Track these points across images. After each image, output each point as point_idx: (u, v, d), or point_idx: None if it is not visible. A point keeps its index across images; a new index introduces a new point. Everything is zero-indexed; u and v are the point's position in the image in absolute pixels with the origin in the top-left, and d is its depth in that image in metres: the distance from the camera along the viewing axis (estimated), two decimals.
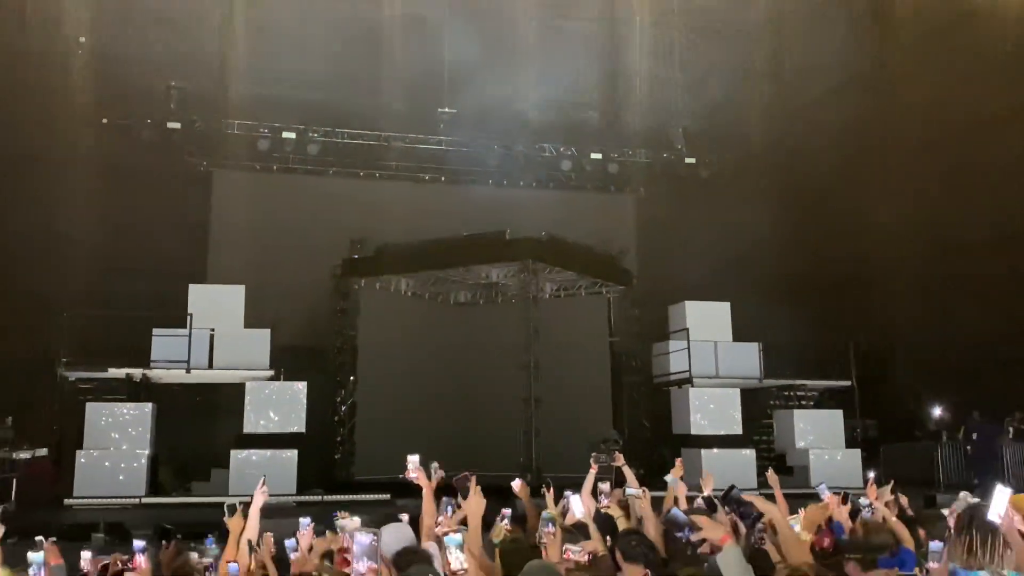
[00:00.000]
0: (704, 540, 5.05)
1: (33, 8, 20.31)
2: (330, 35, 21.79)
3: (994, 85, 18.11)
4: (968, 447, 16.69)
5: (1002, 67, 17.87)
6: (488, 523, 7.13)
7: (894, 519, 6.47)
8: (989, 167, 18.16)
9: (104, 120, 19.65)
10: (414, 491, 12.01)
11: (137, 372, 15.56)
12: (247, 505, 5.46)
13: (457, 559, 3.89)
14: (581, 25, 24.39)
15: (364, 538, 3.72)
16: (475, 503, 4.41)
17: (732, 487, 6.14)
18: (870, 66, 21.23)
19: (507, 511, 6.26)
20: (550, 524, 4.88)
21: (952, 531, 4.93)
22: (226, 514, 5.15)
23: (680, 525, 5.13)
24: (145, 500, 14.28)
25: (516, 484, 7.40)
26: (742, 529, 5.43)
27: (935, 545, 4.86)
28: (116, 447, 14.65)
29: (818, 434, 17.62)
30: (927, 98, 19.57)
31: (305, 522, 5.79)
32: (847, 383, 18.51)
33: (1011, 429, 16.01)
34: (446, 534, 4.05)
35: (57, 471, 14.77)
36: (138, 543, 5.00)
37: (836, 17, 22.11)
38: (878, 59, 20.97)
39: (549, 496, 7.22)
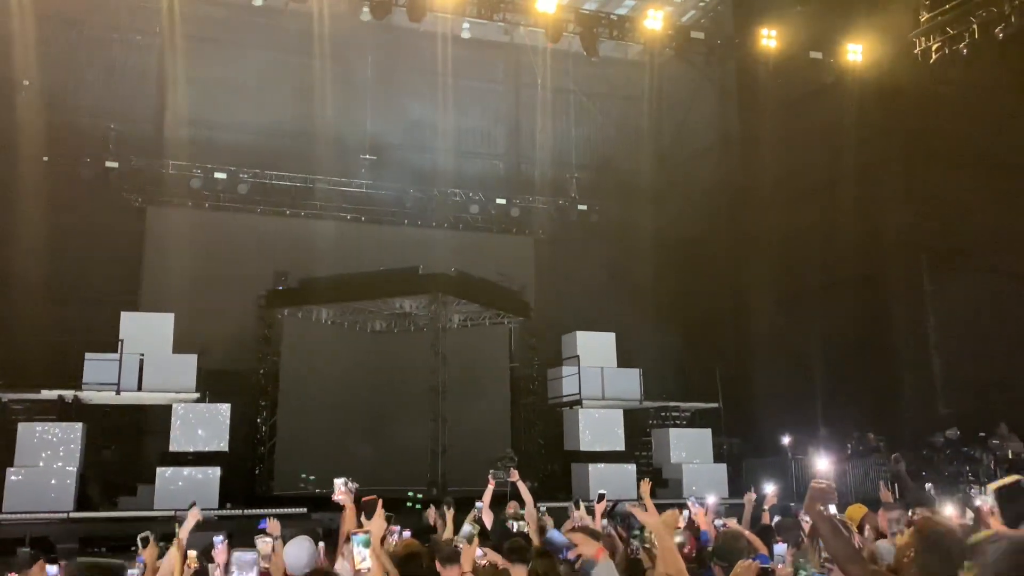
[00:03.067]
0: (580, 556, 5.08)
1: None
2: (261, 85, 21.56)
3: (838, 151, 18.95)
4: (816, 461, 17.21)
5: (845, 136, 18.73)
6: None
7: (748, 532, 6.63)
8: (837, 219, 18.96)
9: (45, 158, 18.88)
10: (330, 505, 11.80)
11: (69, 394, 14.89)
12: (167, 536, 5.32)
13: (360, 554, 3.82)
14: (491, 87, 24.75)
15: (246, 555, 3.60)
16: (377, 524, 4.38)
17: (616, 503, 6.20)
18: (736, 131, 22.03)
19: (395, 528, 6.19)
20: (464, 541, 4.82)
21: (808, 538, 5.06)
22: (140, 545, 4.91)
23: (559, 547, 5.15)
24: (73, 515, 13.59)
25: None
26: (620, 543, 5.46)
27: (779, 548, 4.99)
28: (46, 465, 13.95)
29: (690, 450, 17.90)
30: (784, 159, 20.41)
31: (218, 539, 5.61)
32: (715, 404, 18.94)
33: (849, 447, 16.61)
34: (355, 533, 3.97)
35: None
36: (51, 569, 4.74)
37: (707, 88, 22.96)
38: (743, 125, 21.77)
39: (450, 515, 7.16)
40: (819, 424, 17.86)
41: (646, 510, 6.58)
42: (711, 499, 6.93)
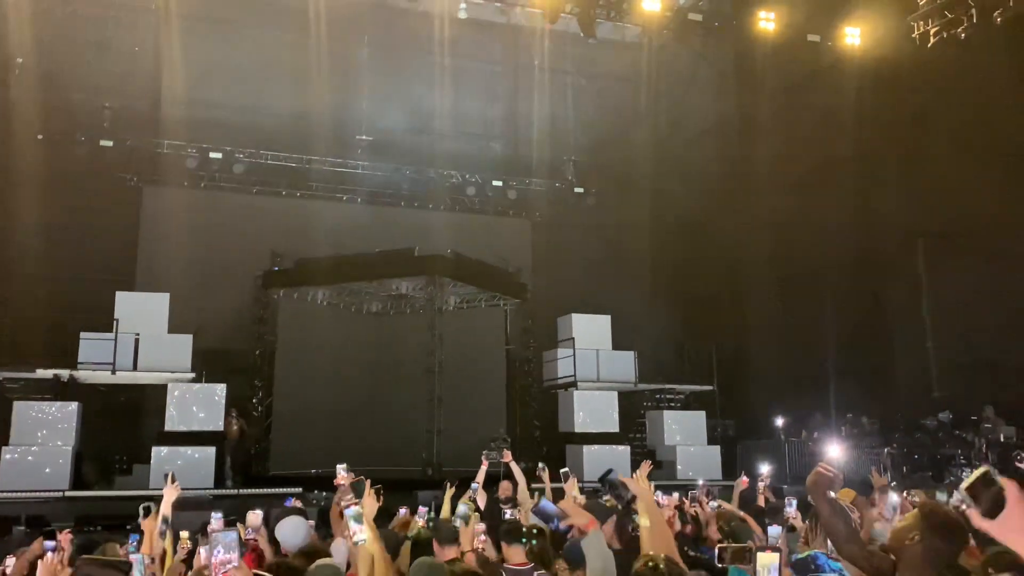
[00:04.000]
0: (572, 526, 5.08)
1: None
2: (257, 64, 21.39)
3: (838, 134, 18.91)
4: (810, 444, 17.28)
5: (843, 119, 18.69)
6: (391, 513, 7.05)
7: (742, 513, 6.65)
8: (833, 203, 18.97)
9: (40, 136, 18.75)
10: (324, 485, 11.81)
11: (64, 373, 14.87)
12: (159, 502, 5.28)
13: (353, 528, 3.80)
14: (488, 68, 24.61)
15: (230, 535, 3.57)
16: (369, 504, 4.34)
17: (609, 470, 6.20)
18: (734, 114, 21.96)
19: (423, 509, 6.19)
20: (461, 521, 4.79)
21: (810, 520, 5.06)
22: (141, 515, 4.98)
23: (549, 516, 5.15)
24: (69, 493, 13.62)
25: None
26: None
27: (773, 530, 4.98)
28: (42, 443, 13.95)
29: (684, 432, 17.96)
30: (782, 143, 20.35)
31: (217, 516, 5.61)
32: (710, 387, 18.99)
33: (843, 430, 16.68)
34: (347, 507, 3.94)
35: None
36: (48, 543, 4.75)
37: (705, 70, 22.86)
38: (740, 108, 21.70)
39: (448, 493, 7.19)
40: (813, 407, 17.93)
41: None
42: (700, 481, 6.96)
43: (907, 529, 3.14)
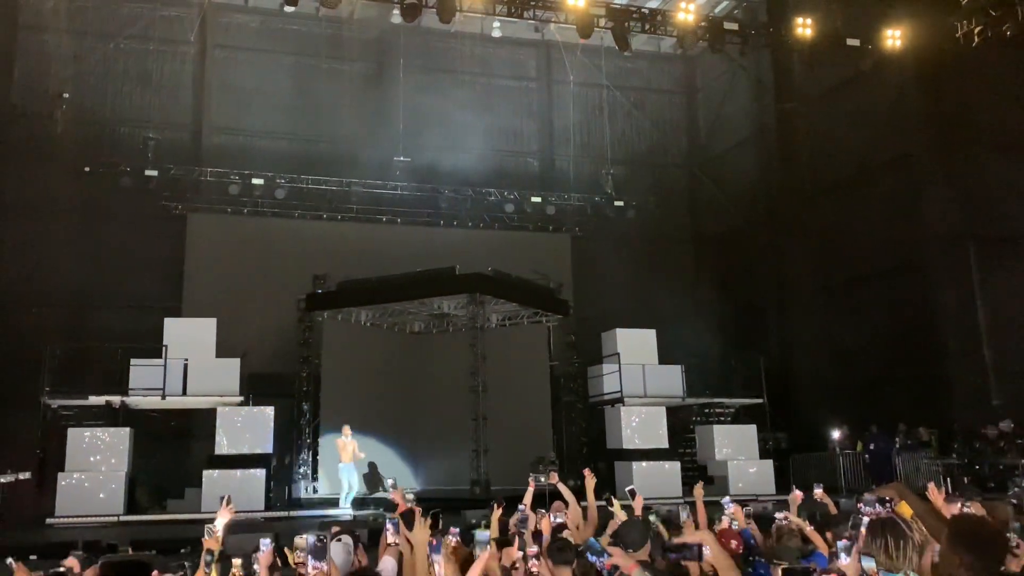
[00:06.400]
0: (616, 568, 5.04)
1: (21, 67, 20.02)
2: (295, 90, 21.84)
3: (878, 138, 18.68)
4: (866, 456, 16.94)
5: (884, 123, 18.45)
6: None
7: (809, 528, 6.47)
8: (877, 208, 18.72)
9: (86, 168, 19.30)
10: (373, 506, 11.81)
11: (116, 399, 15.20)
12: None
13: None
14: (523, 84, 24.79)
15: (311, 538, 3.64)
16: (420, 534, 4.32)
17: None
18: (773, 121, 21.79)
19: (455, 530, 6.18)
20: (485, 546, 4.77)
21: (866, 534, 4.95)
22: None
23: (596, 552, 5.12)
24: (123, 518, 13.86)
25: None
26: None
27: (842, 544, 4.88)
28: (96, 469, 14.24)
29: (735, 446, 17.67)
30: (822, 149, 20.16)
31: (265, 542, 5.59)
32: (760, 400, 18.72)
33: (897, 441, 16.33)
34: None
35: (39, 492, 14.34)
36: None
37: (742, 79, 22.76)
38: (779, 116, 21.53)
39: (496, 514, 7.15)
40: (867, 418, 17.58)
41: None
42: (728, 503, 6.76)
43: (946, 557, 2.98)
